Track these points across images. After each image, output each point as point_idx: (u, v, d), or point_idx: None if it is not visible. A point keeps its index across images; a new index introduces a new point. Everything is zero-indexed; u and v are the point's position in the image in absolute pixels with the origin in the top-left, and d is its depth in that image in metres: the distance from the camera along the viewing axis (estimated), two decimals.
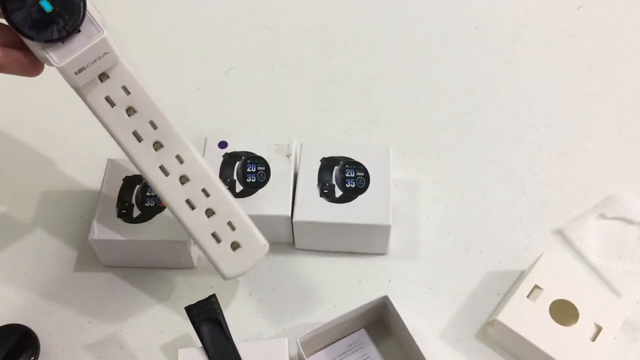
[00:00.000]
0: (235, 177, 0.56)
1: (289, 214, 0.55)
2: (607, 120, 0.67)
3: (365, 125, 0.67)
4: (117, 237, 0.53)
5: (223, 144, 0.58)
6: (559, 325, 0.50)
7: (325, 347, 0.52)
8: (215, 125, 0.67)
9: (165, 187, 0.47)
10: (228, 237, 0.48)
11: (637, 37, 0.73)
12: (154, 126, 0.46)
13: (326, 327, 0.50)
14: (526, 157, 0.64)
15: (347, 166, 0.57)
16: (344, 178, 0.56)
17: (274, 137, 0.59)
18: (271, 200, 0.55)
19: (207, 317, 0.47)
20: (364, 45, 0.74)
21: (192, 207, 0.47)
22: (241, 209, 0.49)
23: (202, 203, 0.48)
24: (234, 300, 0.55)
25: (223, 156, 0.58)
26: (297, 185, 0.56)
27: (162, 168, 0.47)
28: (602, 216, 0.60)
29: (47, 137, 0.66)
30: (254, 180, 0.56)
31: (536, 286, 0.52)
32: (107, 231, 0.54)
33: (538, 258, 0.54)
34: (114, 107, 0.45)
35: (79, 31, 0.41)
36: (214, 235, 0.48)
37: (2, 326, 0.52)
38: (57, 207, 0.61)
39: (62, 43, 0.41)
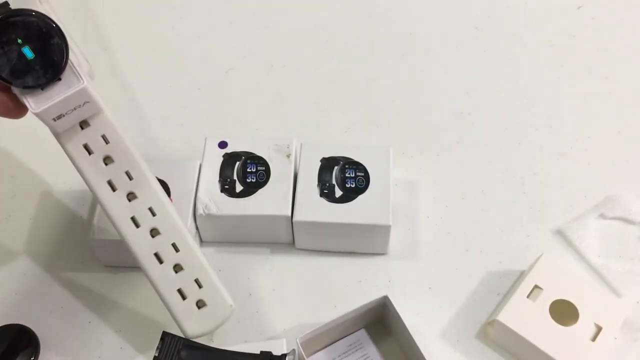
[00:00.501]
0: (235, 177, 0.56)
1: (289, 214, 0.55)
2: (607, 120, 0.67)
3: (365, 125, 0.67)
4: (117, 236, 0.53)
5: (223, 144, 0.58)
6: (559, 325, 0.50)
7: (325, 347, 0.52)
8: (215, 125, 0.67)
9: (135, 239, 0.47)
10: (194, 294, 0.47)
11: (637, 37, 0.73)
12: (130, 177, 0.46)
13: (326, 327, 0.50)
14: (526, 157, 0.64)
15: (347, 166, 0.57)
16: (344, 178, 0.56)
17: (274, 137, 0.59)
18: (271, 200, 0.55)
19: (176, 351, 0.46)
20: (364, 45, 0.74)
21: (160, 261, 0.47)
22: (210, 267, 0.48)
23: (170, 258, 0.47)
24: (234, 301, 0.55)
25: (223, 156, 0.58)
26: (297, 185, 0.56)
27: (133, 219, 0.46)
28: (602, 216, 0.60)
29: (46, 137, 0.66)
30: (254, 180, 0.56)
31: (536, 286, 0.52)
32: (107, 231, 0.53)
33: (538, 258, 0.54)
34: (92, 155, 0.45)
35: (60, 79, 0.42)
36: (179, 291, 0.47)
37: (2, 326, 0.52)
38: (57, 207, 0.61)
39: (42, 90, 0.41)
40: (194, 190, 0.56)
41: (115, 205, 0.46)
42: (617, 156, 0.64)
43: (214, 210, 0.55)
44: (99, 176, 0.46)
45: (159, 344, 0.45)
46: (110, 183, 0.46)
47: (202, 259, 0.48)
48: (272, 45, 0.74)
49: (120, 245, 0.53)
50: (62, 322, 0.54)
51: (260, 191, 0.56)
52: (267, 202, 0.55)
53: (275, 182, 0.56)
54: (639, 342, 0.53)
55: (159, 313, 0.55)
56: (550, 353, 0.48)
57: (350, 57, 0.73)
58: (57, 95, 0.41)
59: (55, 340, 0.53)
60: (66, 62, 0.41)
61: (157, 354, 0.45)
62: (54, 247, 0.59)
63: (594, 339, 0.49)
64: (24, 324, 0.53)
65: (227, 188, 0.56)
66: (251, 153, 0.58)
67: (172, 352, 0.45)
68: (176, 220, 0.47)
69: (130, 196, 0.46)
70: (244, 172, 0.57)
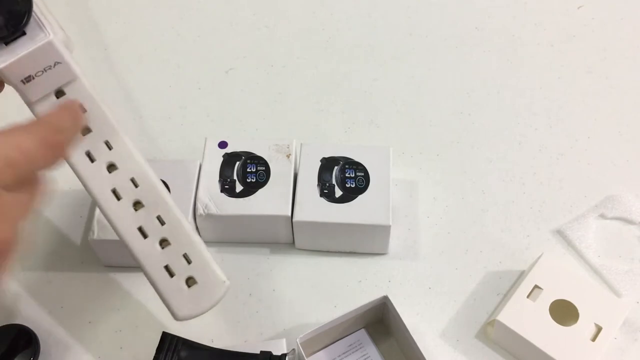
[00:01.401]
0: (235, 177, 0.56)
1: (289, 214, 0.55)
2: (607, 120, 0.67)
3: (365, 125, 0.67)
4: (117, 237, 0.53)
5: (223, 144, 0.58)
6: (559, 325, 0.50)
7: (325, 347, 0.52)
8: (215, 125, 0.67)
9: (116, 212, 0.43)
10: (183, 271, 0.42)
11: (637, 37, 0.73)
12: (109, 146, 0.43)
13: (326, 327, 0.50)
14: (526, 157, 0.64)
15: (347, 166, 0.57)
16: (344, 178, 0.56)
17: (274, 137, 0.59)
18: (271, 200, 0.55)
19: (176, 351, 0.45)
20: (364, 45, 0.74)
21: (145, 236, 0.43)
22: (200, 241, 0.44)
23: (155, 232, 0.43)
24: (234, 301, 0.55)
25: (223, 156, 0.58)
26: (297, 185, 0.56)
27: (114, 191, 0.42)
28: (602, 216, 0.60)
29: None
30: (254, 180, 0.56)
31: (536, 286, 0.52)
32: (107, 231, 0.53)
33: (538, 258, 0.54)
34: None
35: (25, 34, 0.39)
36: (166, 268, 0.43)
37: (2, 326, 0.52)
38: (57, 207, 0.61)
39: (5, 45, 0.39)
40: (194, 190, 0.56)
41: (94, 176, 0.42)
42: (617, 156, 0.64)
43: (214, 210, 0.55)
44: (75, 147, 0.42)
45: (159, 344, 0.45)
46: (88, 154, 0.42)
47: (190, 232, 0.43)
48: (272, 45, 0.74)
49: (121, 246, 0.54)
50: (62, 322, 0.54)
51: (260, 191, 0.56)
52: (267, 202, 0.55)
53: (275, 182, 0.56)
54: (639, 342, 0.53)
55: (159, 313, 0.55)
56: (550, 353, 0.48)
57: (350, 57, 0.73)
58: (21, 49, 0.39)
59: (55, 340, 0.54)
60: (30, 13, 0.38)
61: (157, 354, 0.45)
62: (54, 247, 0.59)
63: (594, 339, 0.49)
64: (24, 324, 0.53)
65: (227, 188, 0.56)
66: (251, 153, 0.58)
67: (172, 352, 0.45)
68: (161, 191, 0.43)
69: (111, 167, 0.43)
70: (244, 172, 0.57)
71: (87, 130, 0.43)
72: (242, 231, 0.57)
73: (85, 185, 0.43)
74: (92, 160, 0.43)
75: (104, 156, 0.43)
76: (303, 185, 0.56)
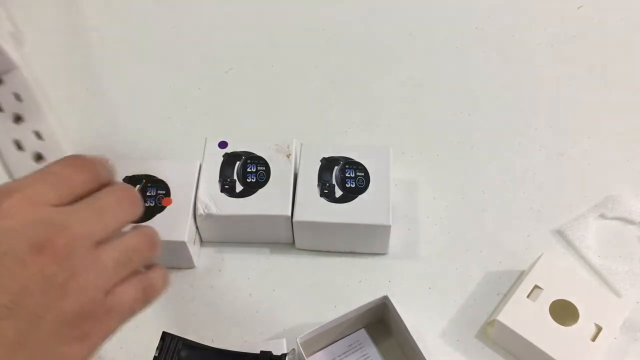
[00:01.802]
0: (235, 177, 0.56)
1: (289, 214, 0.55)
2: (607, 120, 0.67)
3: (365, 125, 0.67)
4: None
5: (223, 144, 0.58)
6: (559, 325, 0.50)
7: (325, 347, 0.52)
8: (215, 125, 0.67)
9: None
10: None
11: (637, 37, 0.73)
12: (40, 137, 0.43)
13: (326, 327, 0.50)
14: (526, 157, 0.64)
15: (347, 166, 0.57)
16: (344, 178, 0.56)
17: (274, 137, 0.59)
18: (271, 200, 0.55)
19: (176, 351, 0.46)
20: (364, 45, 0.74)
21: None
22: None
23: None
24: (234, 301, 0.55)
25: (223, 156, 0.58)
26: (297, 185, 0.56)
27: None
28: (602, 216, 0.60)
29: None
30: (254, 180, 0.56)
31: (536, 286, 0.52)
32: None
33: (538, 258, 0.54)
34: (0, 113, 0.43)
35: None
36: (16, 142, 0.44)
37: None
38: None
39: None
40: (194, 190, 0.56)
41: (22, 167, 0.43)
42: (617, 156, 0.64)
43: (214, 210, 0.55)
44: (5, 134, 0.42)
45: (159, 344, 0.45)
46: (17, 142, 0.43)
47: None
48: (272, 45, 0.74)
49: None
50: None
51: (260, 191, 0.56)
52: (267, 202, 0.55)
53: (275, 182, 0.56)
54: (639, 342, 0.53)
55: (159, 313, 0.55)
56: (550, 353, 0.48)
57: (350, 57, 0.73)
58: None
59: None
60: None
61: (157, 354, 0.45)
62: None
63: (594, 339, 0.49)
64: None
65: (227, 188, 0.56)
66: (251, 153, 0.58)
67: (172, 352, 0.45)
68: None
69: (38, 159, 0.43)
70: (244, 172, 0.57)
71: (20, 119, 0.43)
72: (242, 231, 0.57)
73: (8, 171, 0.43)
74: (20, 149, 0.43)
75: (32, 146, 0.43)
76: (303, 185, 0.56)
